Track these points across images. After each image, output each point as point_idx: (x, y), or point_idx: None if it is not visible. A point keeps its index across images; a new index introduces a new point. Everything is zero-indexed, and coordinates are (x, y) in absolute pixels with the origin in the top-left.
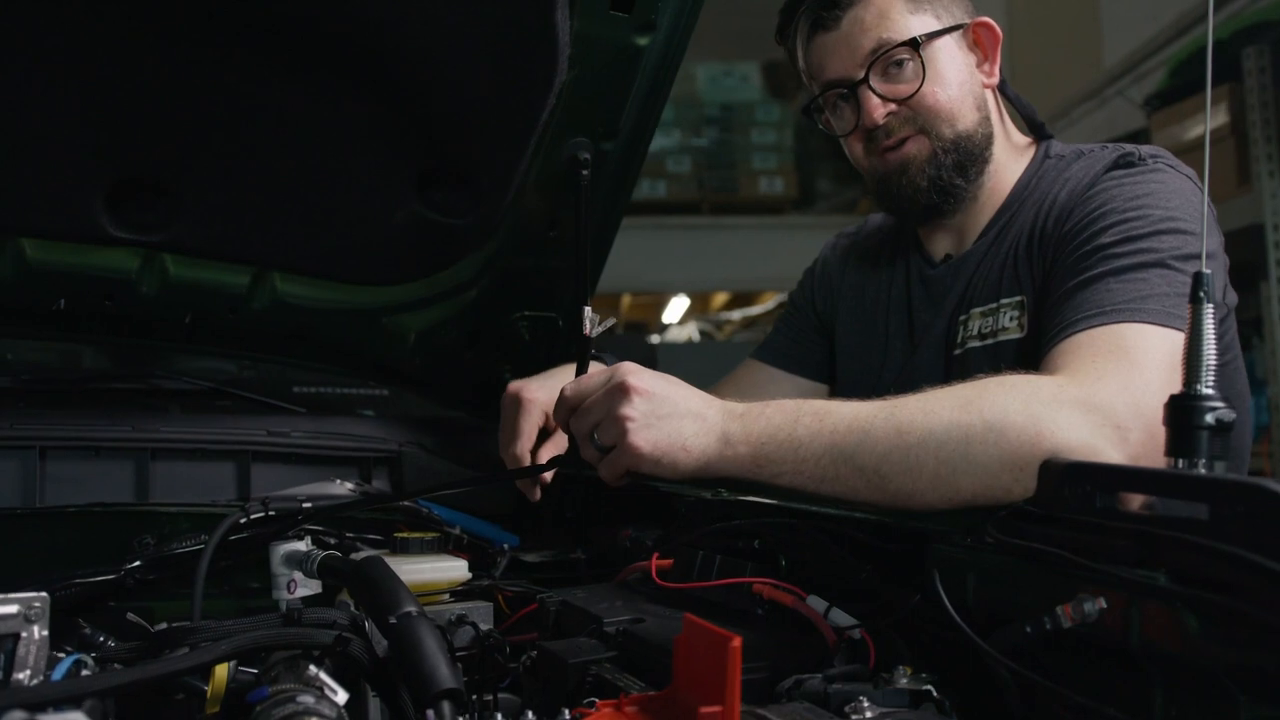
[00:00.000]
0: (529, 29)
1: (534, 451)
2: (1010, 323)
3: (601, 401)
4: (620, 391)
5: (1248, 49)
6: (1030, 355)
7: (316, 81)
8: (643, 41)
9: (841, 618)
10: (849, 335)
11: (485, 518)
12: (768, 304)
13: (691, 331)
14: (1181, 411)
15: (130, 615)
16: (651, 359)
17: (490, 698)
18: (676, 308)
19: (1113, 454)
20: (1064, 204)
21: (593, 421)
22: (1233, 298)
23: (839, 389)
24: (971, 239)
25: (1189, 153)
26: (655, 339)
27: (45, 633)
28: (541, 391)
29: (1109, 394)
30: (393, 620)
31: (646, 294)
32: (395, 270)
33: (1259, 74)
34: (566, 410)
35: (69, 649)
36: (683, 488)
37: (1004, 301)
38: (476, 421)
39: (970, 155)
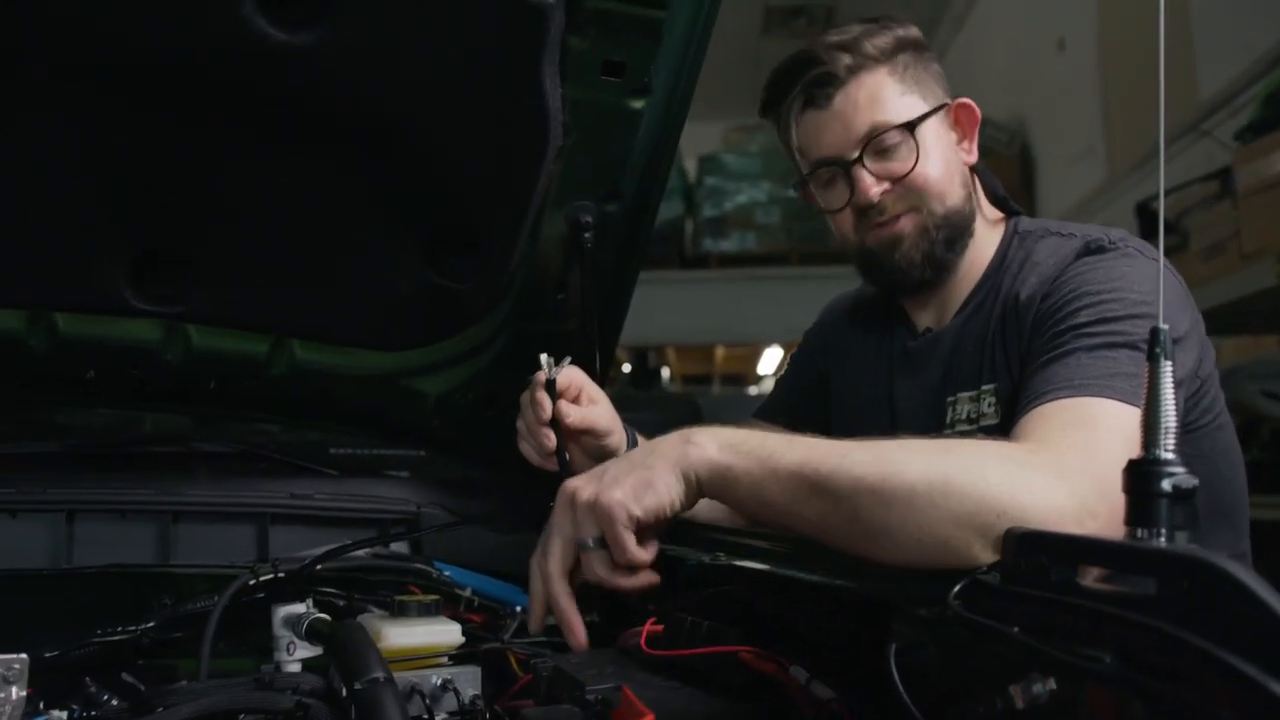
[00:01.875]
0: (518, 97)
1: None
2: (989, 409)
3: (561, 518)
4: (563, 497)
5: None
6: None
7: (323, 155)
8: (638, 105)
9: (821, 690)
10: (842, 398)
11: (505, 577)
12: None
13: None
14: (1138, 477)
15: (125, 675)
16: (696, 416)
17: None
18: (771, 358)
19: (1085, 524)
20: (1034, 288)
21: (569, 537)
22: (1207, 370)
23: None
24: (951, 313)
25: (1274, 188)
26: (753, 390)
27: (23, 693)
28: None
29: (1073, 464)
30: (357, 686)
31: (739, 345)
32: (407, 335)
33: None
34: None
35: (74, 707)
36: (685, 551)
37: (984, 389)
38: (501, 481)
39: (959, 230)
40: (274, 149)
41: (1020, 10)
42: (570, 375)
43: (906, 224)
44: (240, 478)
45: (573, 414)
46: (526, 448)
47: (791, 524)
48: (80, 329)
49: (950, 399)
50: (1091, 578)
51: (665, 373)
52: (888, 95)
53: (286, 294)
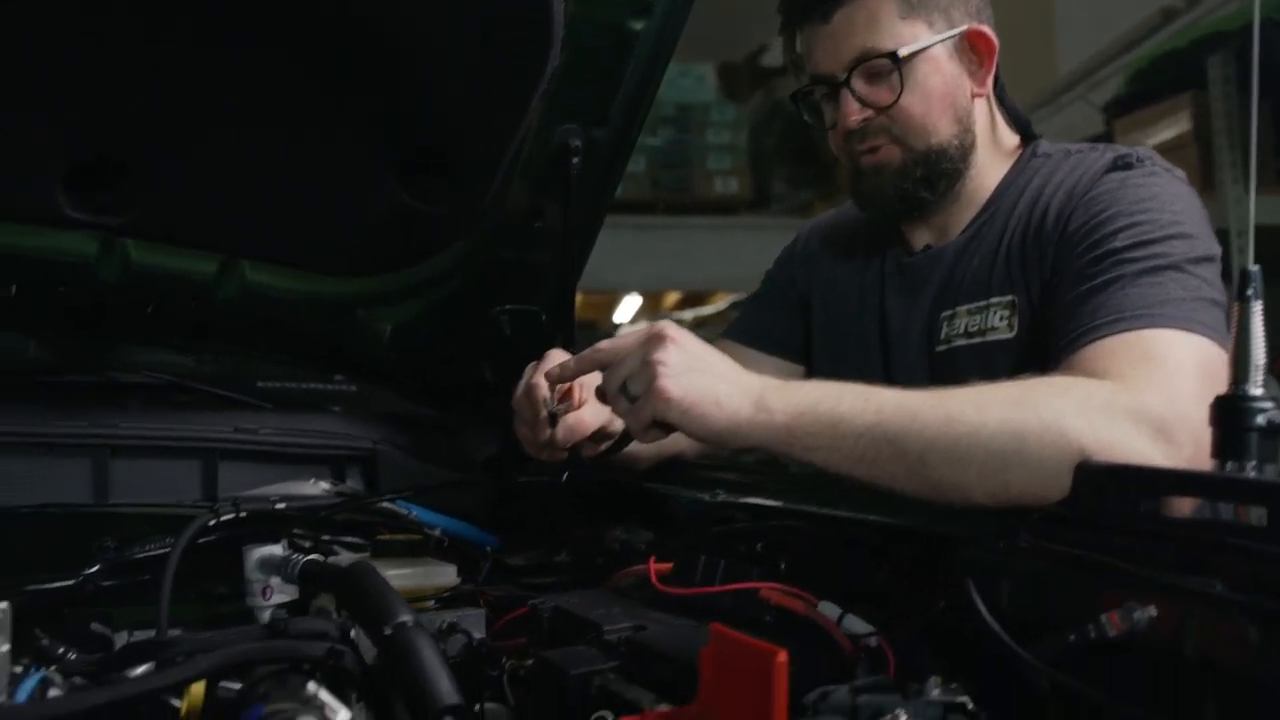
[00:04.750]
0: (523, 8)
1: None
2: (1000, 322)
3: (636, 351)
4: (657, 339)
5: (1212, 57)
6: (1019, 356)
7: (295, 58)
8: (638, 25)
9: (857, 625)
10: (822, 323)
11: (462, 518)
12: (719, 304)
13: None
14: (1231, 413)
15: (95, 625)
16: None
17: (477, 708)
18: (628, 307)
19: (1173, 462)
20: (1061, 203)
21: (625, 373)
22: None
23: (816, 376)
24: (954, 231)
25: None
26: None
27: (6, 647)
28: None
29: (1156, 403)
30: (388, 631)
31: (598, 292)
32: (372, 260)
33: (1223, 83)
34: (594, 364)
35: (25, 662)
36: (677, 489)
37: (994, 300)
38: (450, 420)
39: (939, 170)
40: (239, 47)
41: None
42: (564, 371)
43: (887, 155)
44: (175, 410)
45: (572, 424)
46: (525, 432)
47: (860, 479)
48: (3, 239)
49: (947, 313)
50: (1178, 512)
51: None
52: (886, 19)
53: (240, 209)
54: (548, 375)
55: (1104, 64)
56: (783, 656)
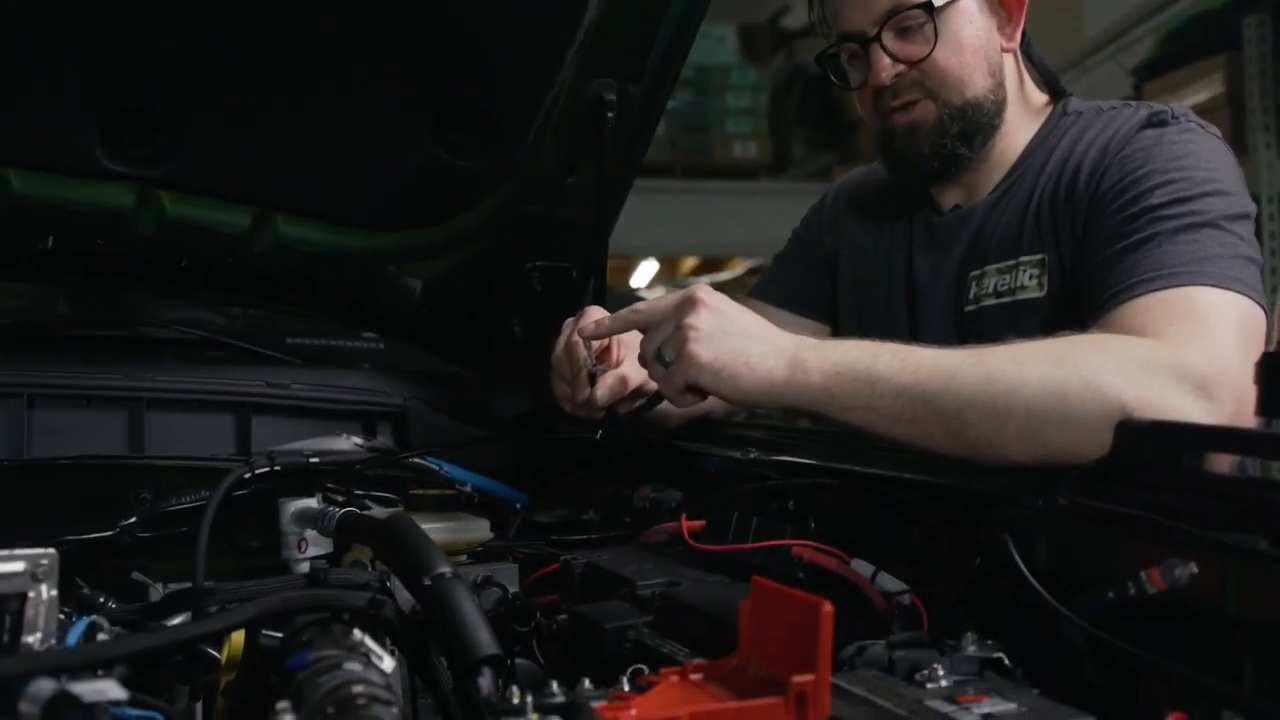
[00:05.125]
0: None
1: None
2: (1030, 281)
3: (670, 315)
4: (689, 303)
5: (1248, 17)
6: (1049, 315)
7: (332, 10)
8: None
9: (890, 583)
10: (849, 283)
11: (490, 475)
12: (737, 270)
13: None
14: (1275, 371)
15: (136, 574)
16: None
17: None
18: (645, 271)
19: (1214, 418)
20: (1095, 161)
21: (661, 337)
22: None
23: (842, 335)
24: (983, 191)
25: None
26: None
27: (54, 592)
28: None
29: (1198, 361)
30: (427, 582)
31: (615, 257)
32: (406, 214)
33: (1259, 43)
34: (629, 324)
35: (66, 610)
36: (707, 447)
37: (1024, 259)
38: (480, 377)
39: (977, 124)
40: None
41: None
42: (599, 328)
43: (919, 112)
44: (209, 365)
45: (611, 383)
46: (563, 389)
47: (898, 439)
48: (39, 190)
49: (975, 273)
50: (1220, 469)
51: None
52: None
53: (277, 163)
54: (580, 332)
55: (1134, 25)
56: (829, 607)
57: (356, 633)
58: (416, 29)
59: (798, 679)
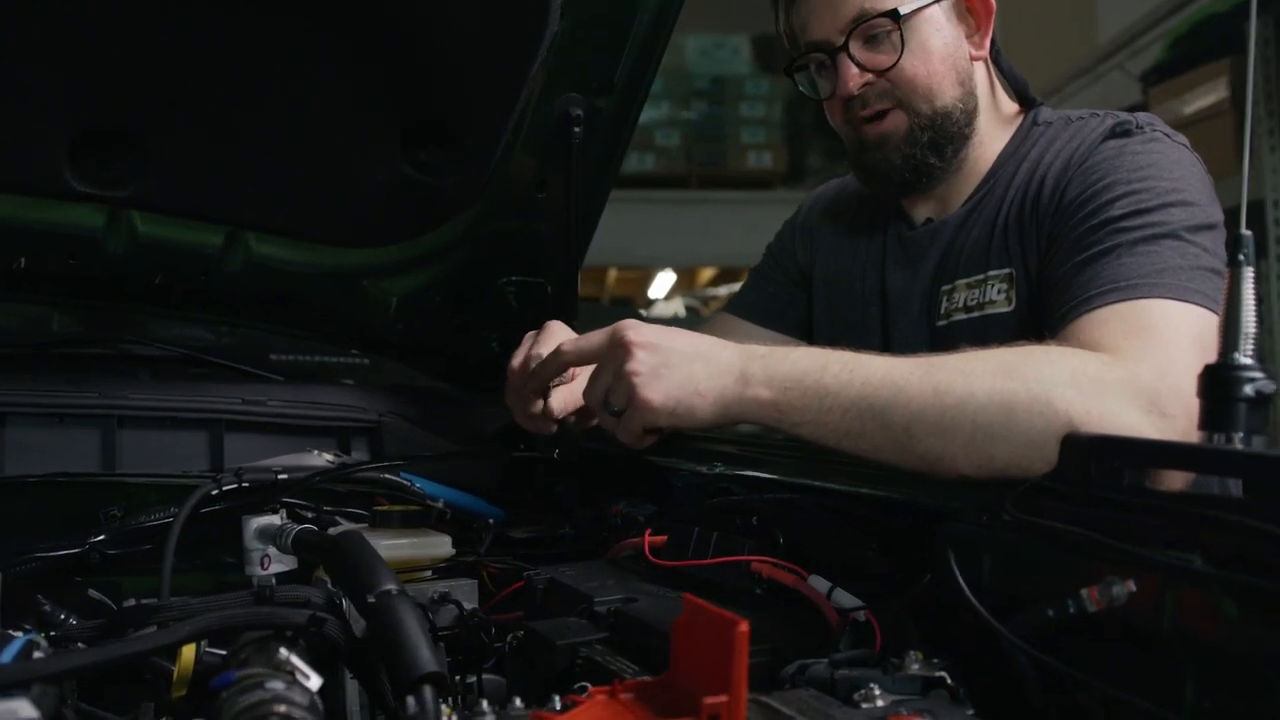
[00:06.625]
0: None
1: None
2: (998, 295)
3: (606, 364)
4: (621, 349)
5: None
6: (1017, 330)
7: (297, 30)
8: None
9: (845, 599)
10: (823, 297)
11: (470, 491)
12: None
13: (677, 307)
14: (1218, 382)
15: (92, 591)
16: None
17: (474, 680)
18: (663, 283)
19: (1164, 434)
20: (1059, 173)
21: (603, 387)
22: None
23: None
24: (955, 204)
25: (1188, 127)
26: (642, 314)
27: None
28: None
29: (1150, 375)
30: (371, 599)
31: (633, 268)
32: (376, 232)
33: (1263, 46)
34: (559, 367)
35: (27, 627)
36: (677, 461)
37: (992, 274)
38: (460, 393)
39: (947, 134)
40: (242, 19)
41: None
42: (533, 379)
43: (889, 123)
44: (185, 382)
45: (564, 396)
46: (514, 402)
47: (846, 451)
48: (9, 212)
49: (947, 287)
50: (1164, 484)
51: None
52: None
53: (247, 182)
54: (511, 370)
55: (1144, 31)
56: (744, 626)
57: (283, 651)
58: (381, 47)
59: (709, 700)
